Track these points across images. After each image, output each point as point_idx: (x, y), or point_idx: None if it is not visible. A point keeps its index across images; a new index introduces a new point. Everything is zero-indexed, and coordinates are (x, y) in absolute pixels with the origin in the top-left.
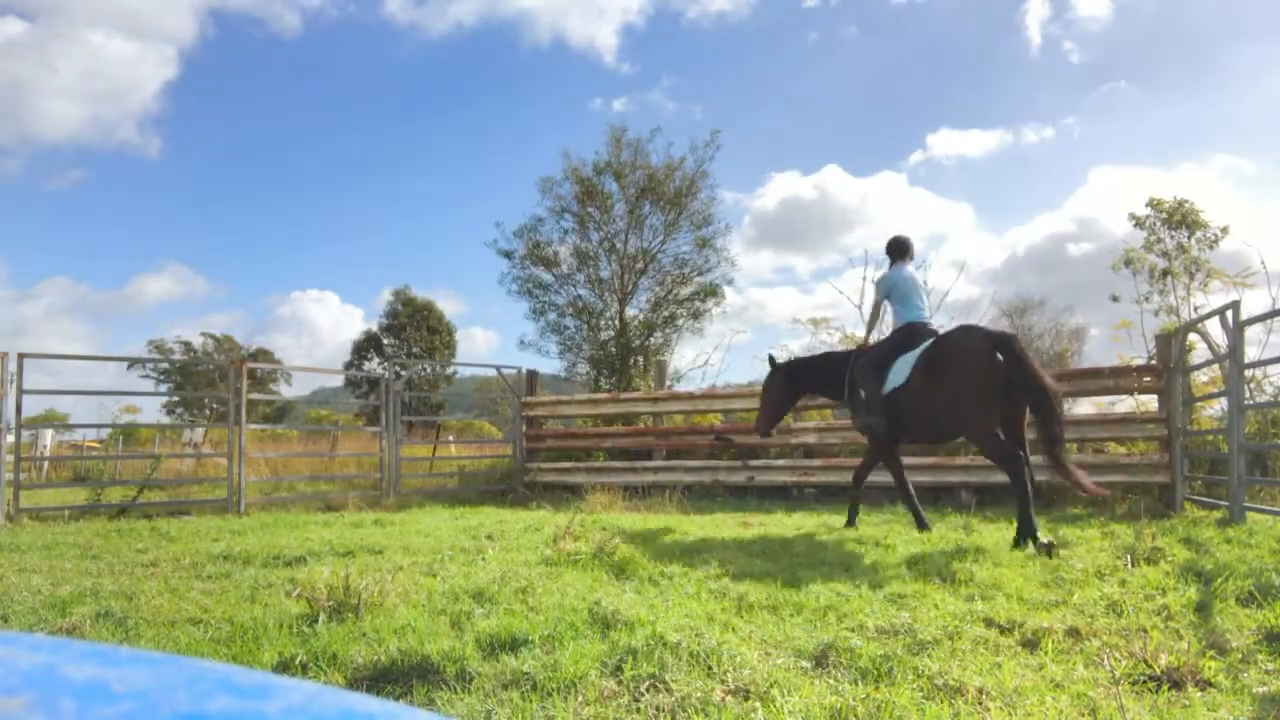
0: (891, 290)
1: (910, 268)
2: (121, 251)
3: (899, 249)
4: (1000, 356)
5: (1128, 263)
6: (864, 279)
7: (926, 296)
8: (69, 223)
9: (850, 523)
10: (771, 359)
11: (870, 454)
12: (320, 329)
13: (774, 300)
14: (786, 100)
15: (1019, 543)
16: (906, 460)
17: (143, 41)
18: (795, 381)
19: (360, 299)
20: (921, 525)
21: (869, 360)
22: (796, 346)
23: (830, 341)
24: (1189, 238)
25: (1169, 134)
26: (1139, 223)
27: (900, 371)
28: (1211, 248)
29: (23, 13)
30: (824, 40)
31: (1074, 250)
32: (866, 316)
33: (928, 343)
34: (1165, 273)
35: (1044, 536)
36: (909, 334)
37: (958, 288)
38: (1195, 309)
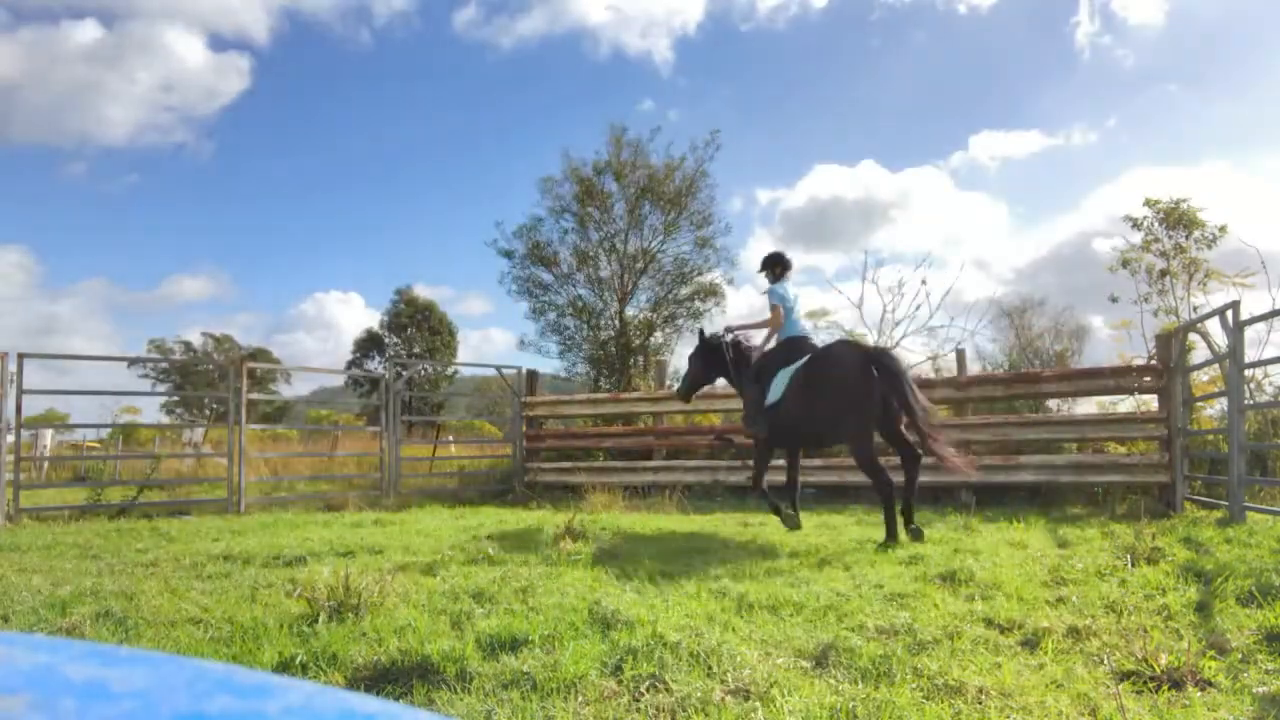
0: (782, 301)
1: (788, 284)
2: (159, 253)
3: (784, 265)
4: (876, 372)
5: (1125, 264)
6: (864, 280)
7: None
8: (119, 224)
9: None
10: (700, 332)
11: (758, 454)
12: (345, 330)
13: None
14: (834, 101)
15: (887, 544)
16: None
17: (220, 53)
18: (706, 361)
19: (383, 301)
20: (789, 524)
21: (754, 371)
22: None
23: (826, 339)
24: (1186, 237)
25: (1213, 135)
26: (1136, 223)
27: (778, 387)
28: (1210, 247)
29: (102, 17)
30: (882, 46)
31: (1101, 249)
32: (764, 329)
33: (805, 358)
34: (1163, 273)
35: (913, 527)
36: (791, 348)
37: (979, 287)
38: (1194, 309)
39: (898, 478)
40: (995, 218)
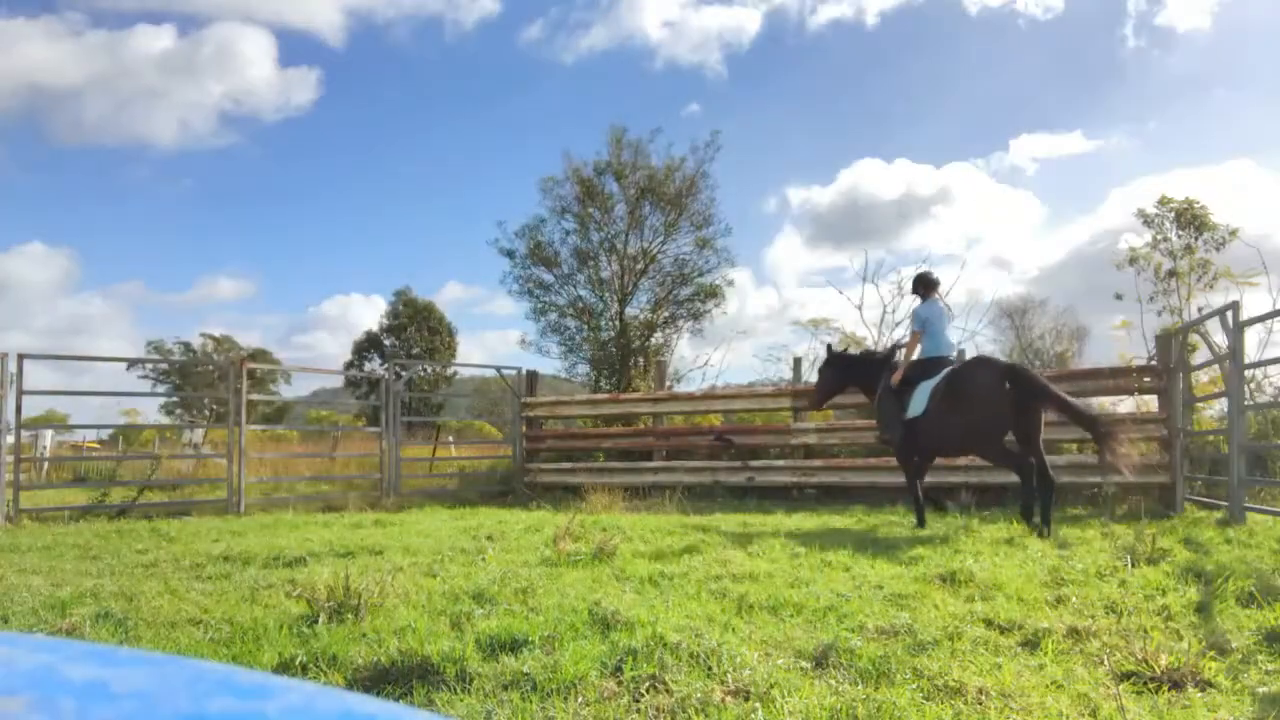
0: (925, 324)
1: (940, 302)
2: (195, 257)
3: (928, 285)
4: (1009, 385)
5: (1132, 261)
6: (863, 280)
7: (949, 328)
8: (166, 228)
9: (920, 523)
10: (829, 348)
11: (909, 467)
12: (361, 330)
13: (814, 299)
14: (878, 105)
15: (1028, 522)
16: None
17: (291, 67)
18: (841, 372)
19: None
20: (920, 523)
21: (896, 386)
22: (802, 349)
23: (830, 341)
24: (1196, 238)
25: (1256, 136)
26: (1148, 220)
27: (919, 400)
28: (1219, 249)
29: (180, 23)
30: (930, 57)
31: (1128, 249)
32: (907, 342)
33: (945, 372)
34: (1171, 273)
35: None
36: (931, 365)
37: (1002, 285)
38: (1198, 310)
39: (938, 477)
40: (1029, 217)
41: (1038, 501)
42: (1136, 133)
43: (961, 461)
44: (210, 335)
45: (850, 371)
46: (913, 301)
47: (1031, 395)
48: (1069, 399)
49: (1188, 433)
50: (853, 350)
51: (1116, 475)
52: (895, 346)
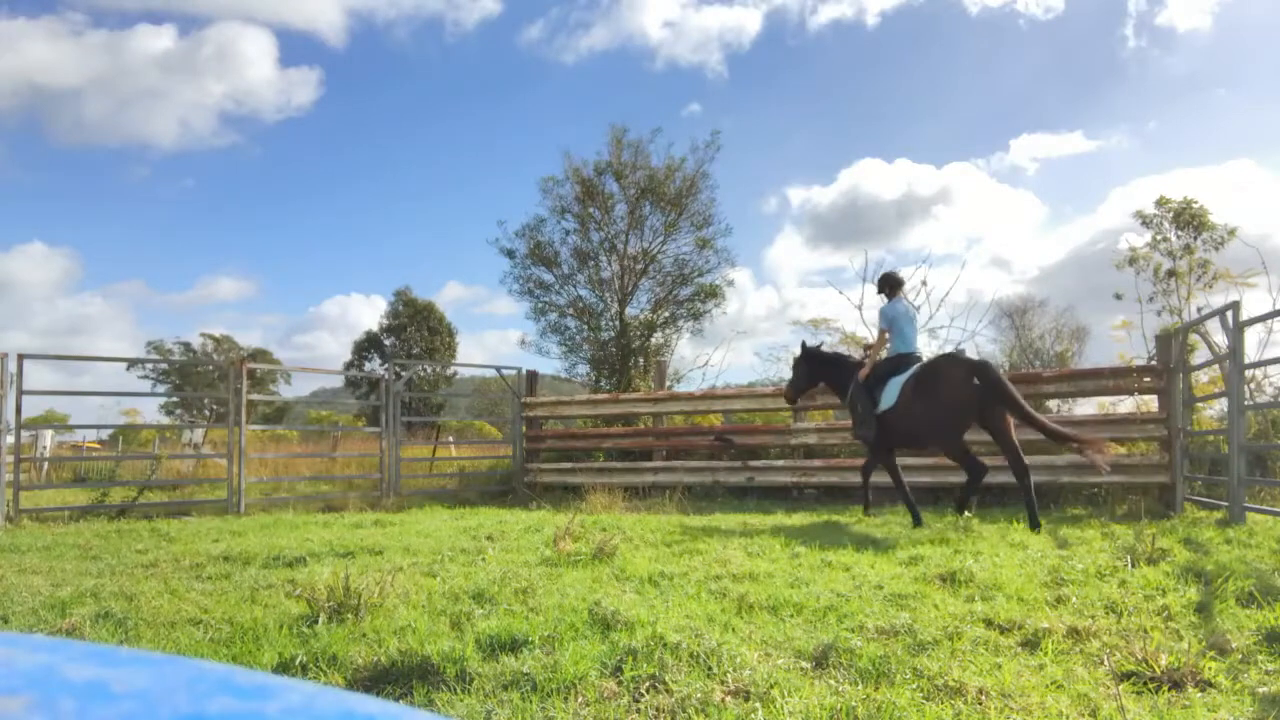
0: (891, 323)
1: (905, 301)
2: (196, 256)
3: (894, 285)
4: (977, 381)
5: (1132, 261)
6: (863, 280)
7: (916, 326)
8: (167, 227)
9: (919, 518)
10: (803, 344)
11: (869, 457)
12: (361, 330)
13: (814, 299)
14: (878, 105)
15: (960, 512)
16: (909, 461)
17: (292, 67)
18: (814, 368)
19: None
20: (917, 522)
21: (866, 383)
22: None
23: (830, 341)
24: (1195, 238)
25: (1257, 135)
26: (1146, 221)
27: (890, 394)
28: (1217, 249)
29: (181, 24)
30: (931, 58)
31: (1126, 249)
32: (874, 342)
33: (915, 368)
34: (1170, 273)
35: (968, 512)
36: (900, 361)
37: (1002, 286)
38: (1198, 310)
39: (938, 477)
40: (1029, 217)
41: (973, 498)
42: (1136, 133)
43: None
44: (210, 335)
45: (823, 368)
46: (881, 301)
47: (995, 392)
48: (1027, 407)
49: (1188, 433)
50: (844, 350)
51: (1107, 475)
52: (867, 349)
